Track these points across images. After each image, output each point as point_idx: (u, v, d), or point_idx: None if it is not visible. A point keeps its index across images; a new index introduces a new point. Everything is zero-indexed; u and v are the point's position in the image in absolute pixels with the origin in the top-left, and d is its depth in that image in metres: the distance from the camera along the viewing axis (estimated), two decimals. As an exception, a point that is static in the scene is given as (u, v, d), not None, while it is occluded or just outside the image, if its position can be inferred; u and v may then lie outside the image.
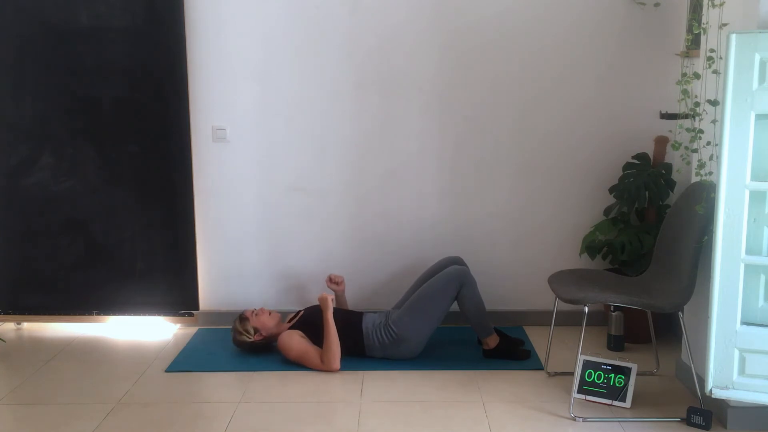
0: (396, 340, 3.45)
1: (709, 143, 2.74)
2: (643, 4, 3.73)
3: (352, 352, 3.48)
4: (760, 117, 2.48)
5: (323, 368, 3.39)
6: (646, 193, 3.63)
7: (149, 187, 3.94)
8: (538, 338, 3.77)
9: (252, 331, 3.55)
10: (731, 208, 2.52)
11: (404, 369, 3.42)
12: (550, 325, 3.38)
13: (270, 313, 3.62)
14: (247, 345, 3.58)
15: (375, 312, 3.64)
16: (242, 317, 3.60)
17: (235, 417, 2.98)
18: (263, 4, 3.78)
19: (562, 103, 3.85)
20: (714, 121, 2.66)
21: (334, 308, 3.48)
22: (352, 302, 3.92)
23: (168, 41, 3.79)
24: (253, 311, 3.61)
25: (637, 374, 3.07)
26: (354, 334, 3.48)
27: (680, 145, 2.97)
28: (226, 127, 3.89)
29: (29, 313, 4.07)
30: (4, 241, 4.01)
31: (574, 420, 2.91)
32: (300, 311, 3.70)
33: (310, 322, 3.50)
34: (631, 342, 3.71)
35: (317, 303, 3.52)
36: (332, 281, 3.80)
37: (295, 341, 3.44)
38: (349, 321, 3.52)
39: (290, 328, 3.55)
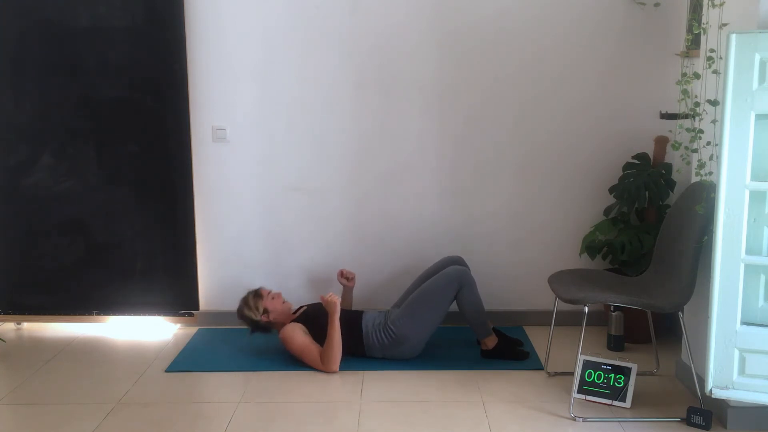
0: (395, 341, 3.45)
1: (709, 143, 2.74)
2: (643, 4, 3.73)
3: (352, 352, 3.48)
4: (760, 117, 2.48)
5: (322, 368, 3.39)
6: (646, 193, 3.63)
7: (149, 187, 3.94)
8: (538, 338, 3.77)
9: (261, 310, 3.55)
10: (731, 208, 2.52)
11: (404, 369, 3.42)
12: (550, 325, 3.38)
13: (284, 302, 3.62)
14: (250, 321, 3.58)
15: (375, 311, 3.64)
16: (258, 293, 3.60)
17: (235, 417, 2.98)
18: (263, 5, 3.78)
19: (562, 103, 3.85)
20: (714, 121, 2.66)
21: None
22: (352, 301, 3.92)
23: (168, 41, 3.79)
24: (269, 292, 3.61)
25: (637, 374, 3.07)
26: (354, 335, 3.48)
27: (680, 145, 2.97)
28: (226, 127, 3.89)
29: (29, 313, 4.07)
30: (4, 241, 4.01)
31: (574, 420, 2.91)
32: (302, 306, 3.70)
33: (313, 318, 3.49)
34: (631, 342, 3.71)
35: (319, 301, 3.51)
36: (343, 276, 3.81)
37: (298, 336, 3.44)
38: (350, 321, 3.51)
39: (294, 321, 3.55)
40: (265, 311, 3.56)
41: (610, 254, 3.72)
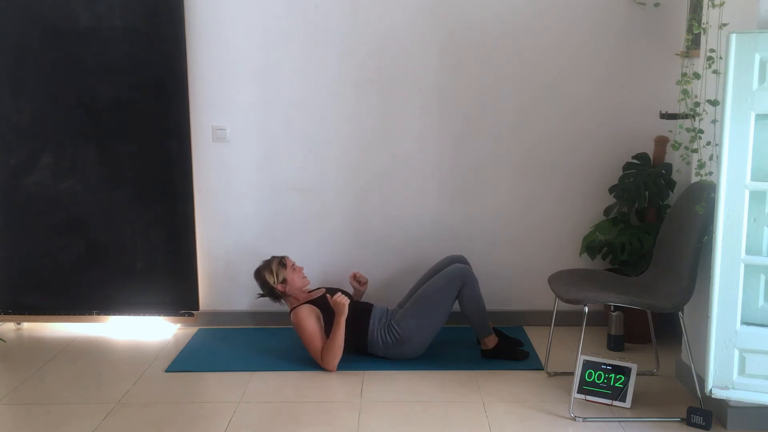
0: (399, 341, 3.44)
1: (709, 143, 2.74)
2: (643, 4, 3.73)
3: (354, 345, 3.47)
4: (760, 117, 2.48)
5: (320, 363, 3.40)
6: (646, 193, 3.63)
7: (149, 187, 3.94)
8: (538, 338, 3.77)
9: (280, 278, 3.57)
10: (731, 208, 2.52)
11: (404, 369, 3.42)
12: (550, 325, 3.38)
13: (304, 277, 3.64)
14: (266, 286, 3.60)
15: (383, 306, 3.64)
16: (282, 261, 3.62)
17: (235, 417, 2.98)
18: (263, 4, 3.78)
19: (562, 103, 3.85)
20: (714, 121, 2.66)
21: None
22: (352, 302, 3.92)
23: (168, 41, 3.79)
24: (293, 264, 3.64)
25: (637, 374, 3.07)
26: (360, 326, 3.47)
27: (680, 145, 2.97)
28: (226, 127, 3.90)
29: (29, 313, 4.07)
30: (4, 241, 4.01)
31: (574, 420, 2.92)
32: (320, 288, 3.70)
33: (329, 307, 3.44)
34: (631, 342, 3.71)
35: (337, 286, 3.54)
36: (356, 279, 3.80)
37: (310, 323, 3.43)
38: (360, 311, 3.51)
39: (311, 303, 3.53)
40: (284, 281, 3.57)
41: (610, 254, 3.72)
